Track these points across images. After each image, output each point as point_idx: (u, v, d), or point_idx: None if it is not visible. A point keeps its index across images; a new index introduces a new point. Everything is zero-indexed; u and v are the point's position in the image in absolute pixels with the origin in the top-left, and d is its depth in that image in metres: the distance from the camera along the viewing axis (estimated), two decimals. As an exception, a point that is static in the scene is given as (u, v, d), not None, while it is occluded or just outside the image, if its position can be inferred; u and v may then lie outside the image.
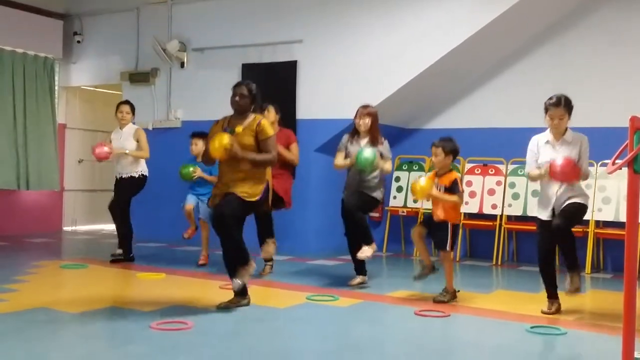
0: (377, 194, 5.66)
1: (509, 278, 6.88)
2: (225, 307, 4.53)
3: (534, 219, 7.34)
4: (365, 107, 5.73)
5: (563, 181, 4.59)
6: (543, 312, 4.72)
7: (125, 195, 6.73)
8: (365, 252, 5.50)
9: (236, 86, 4.73)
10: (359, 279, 5.69)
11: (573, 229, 4.70)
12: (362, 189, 5.58)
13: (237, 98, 4.66)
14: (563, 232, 4.58)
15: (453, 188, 5.04)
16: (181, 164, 6.76)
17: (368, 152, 5.38)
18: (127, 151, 6.64)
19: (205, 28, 8.83)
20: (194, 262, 6.73)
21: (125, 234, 6.79)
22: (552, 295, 4.79)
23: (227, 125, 4.67)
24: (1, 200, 9.15)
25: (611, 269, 7.21)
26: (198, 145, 6.64)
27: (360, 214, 5.55)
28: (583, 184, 4.87)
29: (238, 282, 4.53)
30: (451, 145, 5.12)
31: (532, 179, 4.87)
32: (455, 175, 5.13)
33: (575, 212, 4.64)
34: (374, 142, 5.63)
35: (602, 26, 7.40)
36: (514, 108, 7.76)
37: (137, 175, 6.72)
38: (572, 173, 4.52)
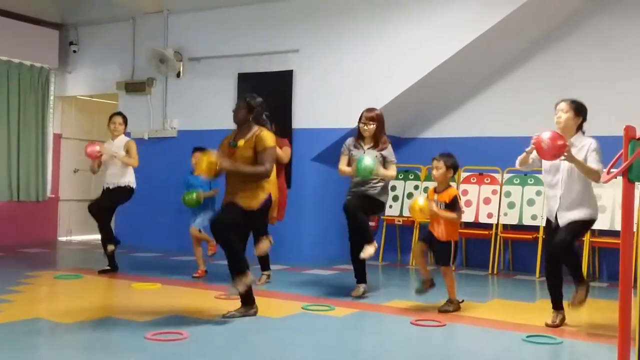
0: (383, 198, 5.58)
1: (505, 287, 6.87)
2: (230, 316, 4.55)
3: (529, 228, 7.46)
4: (370, 110, 5.56)
5: (551, 154, 4.20)
6: (547, 325, 4.56)
7: (107, 201, 6.66)
8: (368, 250, 5.33)
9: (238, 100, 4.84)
10: (362, 288, 5.56)
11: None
12: (367, 193, 5.50)
13: (234, 110, 4.78)
14: (563, 250, 4.47)
15: (453, 205, 5.00)
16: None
17: (368, 161, 5.26)
18: (115, 153, 6.58)
19: (201, 38, 8.86)
20: (190, 272, 6.70)
21: (103, 240, 6.67)
22: (557, 306, 4.63)
23: (233, 139, 4.73)
24: (-4, 210, 9.12)
25: (606, 278, 7.21)
26: None
27: (362, 214, 5.39)
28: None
29: (232, 289, 4.54)
30: (452, 160, 5.10)
31: (521, 162, 4.63)
32: (455, 191, 5.10)
33: (576, 230, 4.50)
34: (377, 147, 5.52)
35: (598, 34, 7.42)
36: (509, 117, 7.78)
37: (123, 185, 6.66)
38: (559, 146, 4.14)
